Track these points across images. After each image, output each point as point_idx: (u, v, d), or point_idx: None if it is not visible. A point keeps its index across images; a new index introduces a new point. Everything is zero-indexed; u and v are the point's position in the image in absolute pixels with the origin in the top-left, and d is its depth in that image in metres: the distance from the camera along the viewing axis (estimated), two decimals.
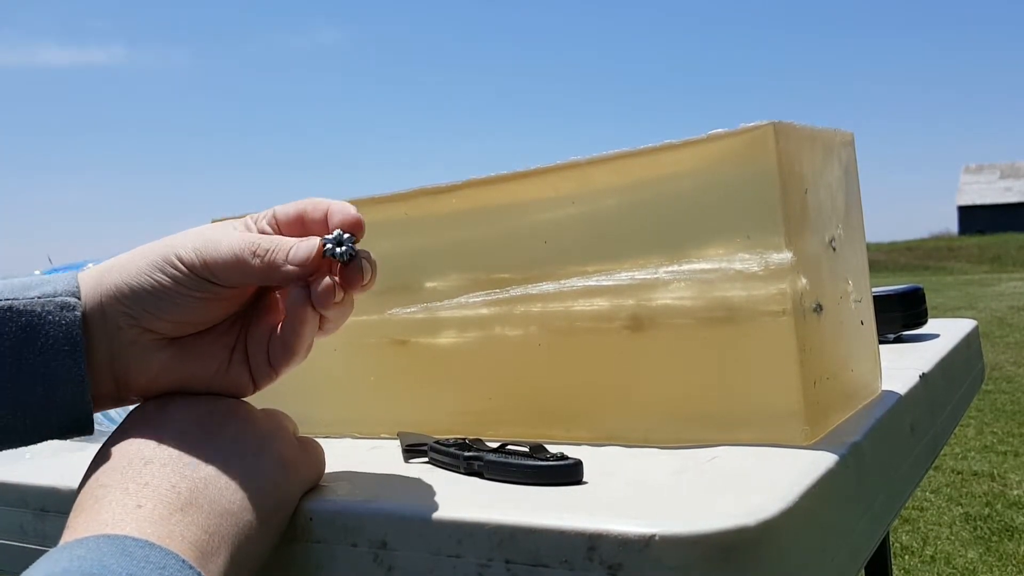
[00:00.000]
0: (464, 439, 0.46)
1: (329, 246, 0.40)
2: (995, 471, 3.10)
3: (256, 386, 0.43)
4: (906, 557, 2.39)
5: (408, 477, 0.44)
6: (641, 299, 0.46)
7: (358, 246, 0.41)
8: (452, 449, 0.45)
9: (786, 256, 0.41)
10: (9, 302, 0.38)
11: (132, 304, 0.39)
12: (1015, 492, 2.87)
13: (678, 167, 0.44)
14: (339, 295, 0.41)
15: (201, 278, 0.39)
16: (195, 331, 0.41)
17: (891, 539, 1.85)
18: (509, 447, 0.43)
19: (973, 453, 3.34)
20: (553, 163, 0.48)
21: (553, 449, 0.42)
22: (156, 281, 0.39)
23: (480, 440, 0.46)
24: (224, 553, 0.36)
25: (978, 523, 2.61)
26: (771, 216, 0.42)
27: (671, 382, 0.45)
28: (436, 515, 0.37)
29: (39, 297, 0.39)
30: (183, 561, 0.34)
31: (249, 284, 0.41)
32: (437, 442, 0.46)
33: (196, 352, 0.41)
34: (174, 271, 0.39)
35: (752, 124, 0.42)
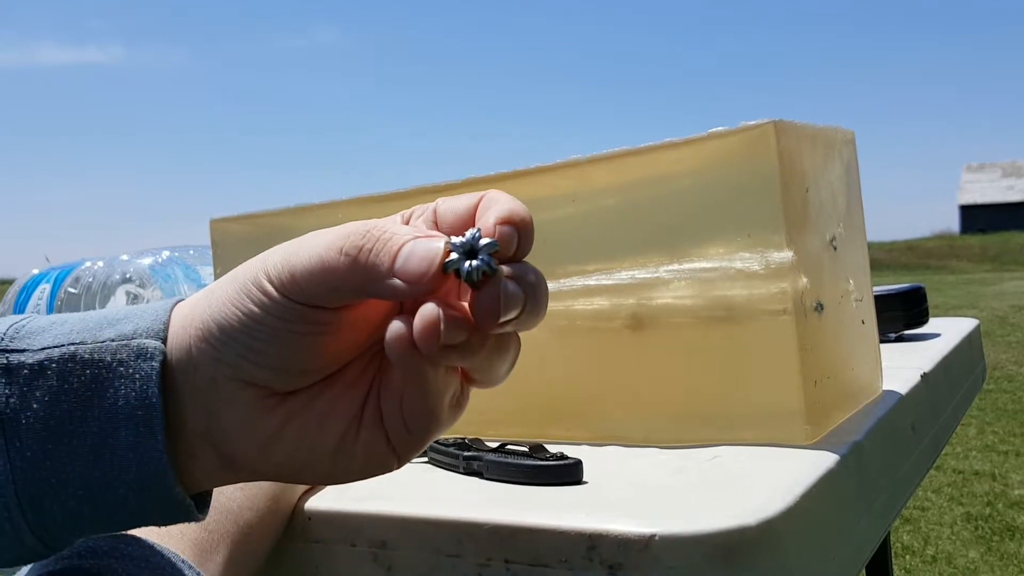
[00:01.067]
0: (464, 439, 0.46)
1: (454, 256, 0.26)
2: (996, 471, 3.10)
3: (400, 458, 0.30)
4: (907, 557, 2.39)
5: (407, 477, 0.44)
6: (641, 298, 0.45)
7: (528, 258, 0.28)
8: (452, 449, 0.44)
9: (787, 255, 0.41)
10: (73, 348, 0.28)
11: (222, 347, 0.28)
12: (1016, 492, 2.87)
13: (678, 166, 0.44)
14: (456, 335, 0.26)
15: (294, 301, 0.27)
16: (312, 381, 0.29)
17: (892, 539, 1.85)
18: (509, 447, 0.43)
19: (974, 453, 3.34)
20: (553, 162, 0.48)
21: (553, 449, 0.42)
22: (245, 312, 0.28)
23: (480, 440, 0.46)
24: (223, 551, 0.36)
25: (979, 523, 2.61)
26: (772, 215, 0.41)
27: (671, 381, 0.45)
28: (435, 515, 0.37)
29: (113, 340, 0.28)
30: (183, 560, 0.34)
31: (345, 301, 0.28)
32: (436, 442, 0.46)
33: (316, 411, 0.29)
34: (262, 295, 0.27)
35: (753, 122, 0.42)
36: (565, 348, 0.48)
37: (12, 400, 0.28)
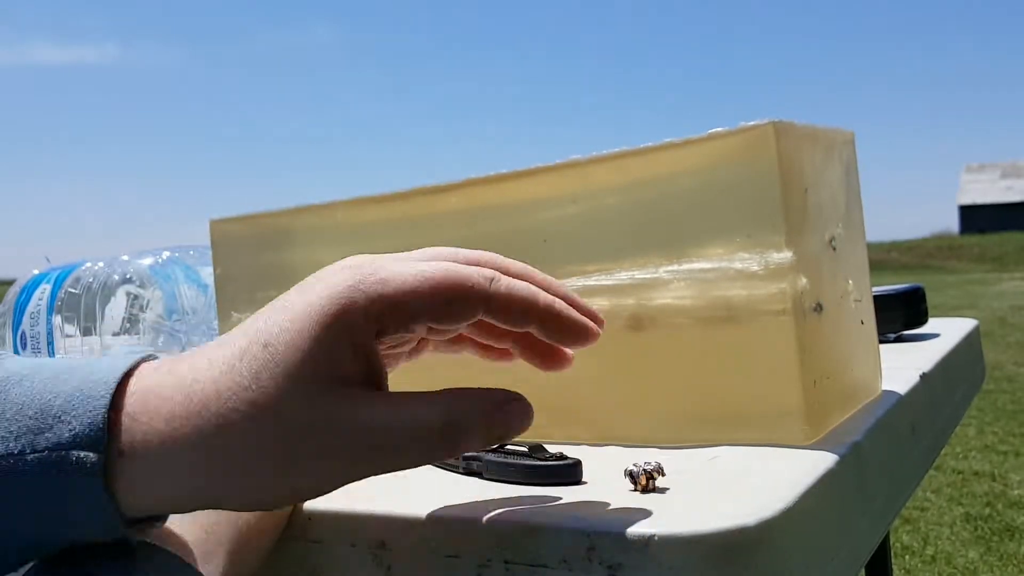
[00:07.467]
0: None
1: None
2: (996, 471, 3.10)
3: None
4: (907, 557, 2.39)
5: (407, 477, 0.44)
6: (641, 299, 0.45)
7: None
8: None
9: (786, 255, 0.41)
10: (13, 460, 0.26)
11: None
12: (1016, 492, 2.87)
13: (678, 166, 0.44)
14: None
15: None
16: None
17: (892, 539, 1.85)
18: (508, 447, 0.43)
19: (974, 453, 3.34)
20: (553, 162, 0.48)
21: (552, 449, 0.42)
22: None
23: None
24: (223, 553, 0.36)
25: (979, 523, 2.61)
26: (771, 215, 0.41)
27: (671, 382, 0.45)
28: (435, 515, 0.37)
29: (51, 450, 0.26)
30: (184, 564, 0.33)
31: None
32: None
33: None
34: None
35: (752, 123, 0.42)
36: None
37: None
